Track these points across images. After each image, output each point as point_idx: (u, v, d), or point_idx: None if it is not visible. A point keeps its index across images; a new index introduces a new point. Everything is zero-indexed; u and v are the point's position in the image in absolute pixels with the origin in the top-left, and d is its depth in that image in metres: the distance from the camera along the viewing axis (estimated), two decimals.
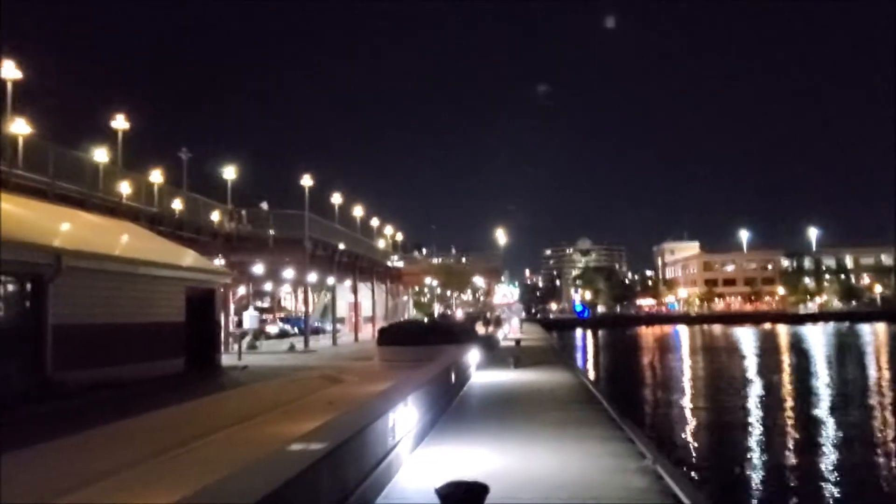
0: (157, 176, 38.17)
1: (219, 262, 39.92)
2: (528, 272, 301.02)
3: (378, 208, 72.08)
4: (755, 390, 37.44)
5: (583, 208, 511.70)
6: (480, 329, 55.37)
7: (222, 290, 35.84)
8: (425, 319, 63.71)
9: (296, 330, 60.79)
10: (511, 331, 68.83)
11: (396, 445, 10.73)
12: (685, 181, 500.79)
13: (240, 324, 45.49)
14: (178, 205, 39.56)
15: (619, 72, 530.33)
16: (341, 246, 52.89)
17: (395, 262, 77.44)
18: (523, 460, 11.84)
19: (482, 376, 26.02)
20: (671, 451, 20.29)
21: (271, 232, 45.97)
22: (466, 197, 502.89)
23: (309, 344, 46.45)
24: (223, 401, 21.59)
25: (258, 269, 48.81)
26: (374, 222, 68.43)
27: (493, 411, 17.92)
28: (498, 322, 62.41)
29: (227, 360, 33.93)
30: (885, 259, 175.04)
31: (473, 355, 27.55)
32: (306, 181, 47.28)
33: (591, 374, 48.79)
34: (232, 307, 55.25)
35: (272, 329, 61.30)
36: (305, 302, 52.05)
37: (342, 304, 64.42)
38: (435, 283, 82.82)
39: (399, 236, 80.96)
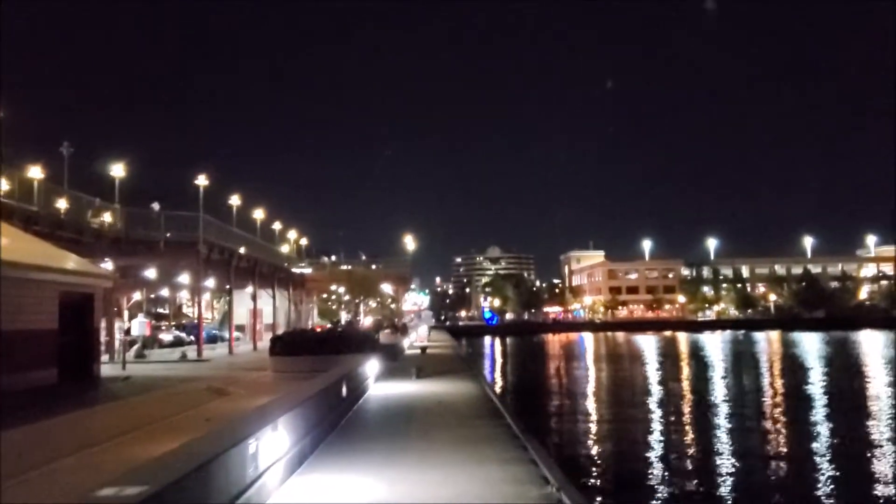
0: (36, 172, 35.09)
1: (108, 265, 37.12)
2: (438, 280, 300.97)
3: (284, 214, 69.79)
4: (657, 400, 37.29)
5: (493, 217, 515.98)
6: (387, 337, 53.82)
7: (107, 295, 33.15)
8: (320, 328, 61.65)
9: (192, 338, 57.75)
10: (418, 338, 67.55)
11: (260, 477, 9.16)
12: (592, 192, 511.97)
13: (128, 331, 42.57)
14: (63, 204, 36.54)
15: (526, 84, 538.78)
16: (241, 250, 50.43)
17: (302, 268, 75.03)
18: (414, 490, 10.47)
19: (381, 388, 24.55)
20: (576, 468, 19.33)
21: (168, 235, 43.21)
22: (377, 204, 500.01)
23: (203, 353, 43.86)
24: (90, 417, 19.45)
25: (150, 273, 45.91)
26: (277, 226, 65.94)
27: (387, 429, 16.50)
28: (404, 330, 60.96)
29: (110, 370, 31.42)
30: (779, 269, 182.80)
31: (372, 366, 26.06)
32: (201, 181, 44.73)
33: (499, 383, 48.03)
34: (126, 314, 52.00)
35: (166, 337, 58.04)
36: (199, 308, 49.30)
37: (242, 311, 61.71)
38: (342, 290, 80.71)
39: (304, 241, 78.53)
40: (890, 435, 26.09)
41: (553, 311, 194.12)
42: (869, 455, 22.86)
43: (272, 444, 9.88)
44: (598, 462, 21.61)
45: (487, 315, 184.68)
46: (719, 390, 41.72)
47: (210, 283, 50.99)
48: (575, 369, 57.63)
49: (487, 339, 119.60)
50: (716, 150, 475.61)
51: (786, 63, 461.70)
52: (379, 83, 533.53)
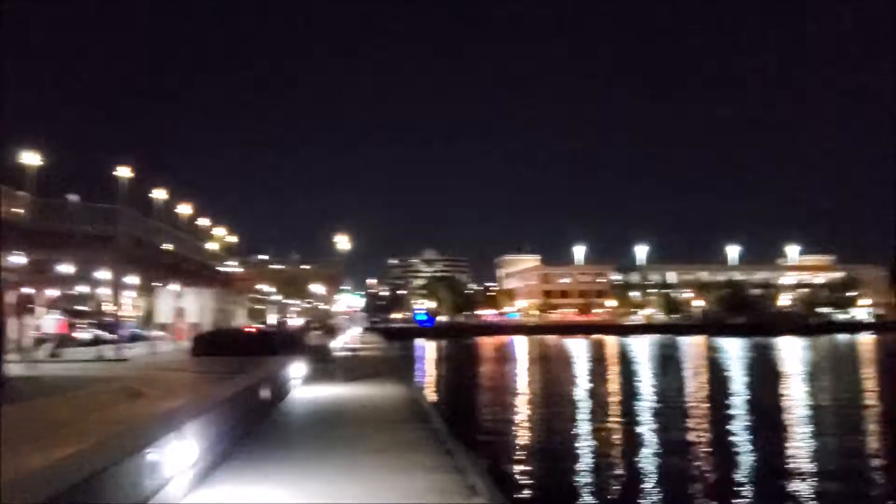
0: None
1: (18, 259, 35.06)
2: (372, 281, 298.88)
3: (214, 211, 67.60)
4: (586, 403, 37.31)
5: (429, 220, 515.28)
6: (316, 338, 52.67)
7: (12, 289, 31.28)
8: (249, 328, 60.04)
9: (114, 336, 55.40)
10: (350, 340, 66.51)
11: (161, 490, 8.31)
12: (527, 196, 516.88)
13: (40, 329, 40.36)
14: None
15: (459, 87, 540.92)
16: (166, 246, 48.58)
17: (231, 266, 73.01)
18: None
19: (307, 392, 23.67)
20: (505, 475, 18.84)
21: (88, 228, 41.12)
22: (311, 203, 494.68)
23: (122, 352, 41.93)
24: None
25: (67, 268, 43.74)
26: (205, 222, 63.90)
27: (310, 435, 15.71)
28: (335, 331, 59.86)
29: (20, 370, 29.62)
30: (705, 276, 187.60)
31: (298, 368, 25.14)
32: (122, 173, 42.79)
33: (430, 387, 47.46)
34: (41, 311, 49.51)
35: (84, 335, 55.52)
36: (118, 306, 47.29)
37: (166, 309, 59.62)
38: (271, 289, 78.92)
39: (233, 239, 76.41)
40: (797, 431, 26.91)
41: (487, 313, 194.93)
42: (780, 449, 23.40)
43: (178, 452, 9.04)
44: (528, 468, 21.19)
45: (421, 317, 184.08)
46: (644, 391, 42.14)
47: (132, 279, 48.98)
48: (506, 372, 57.50)
49: (420, 342, 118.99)
50: (648, 159, 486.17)
51: (716, 72, 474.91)
52: (320, 82, 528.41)
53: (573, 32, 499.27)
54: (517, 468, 20.80)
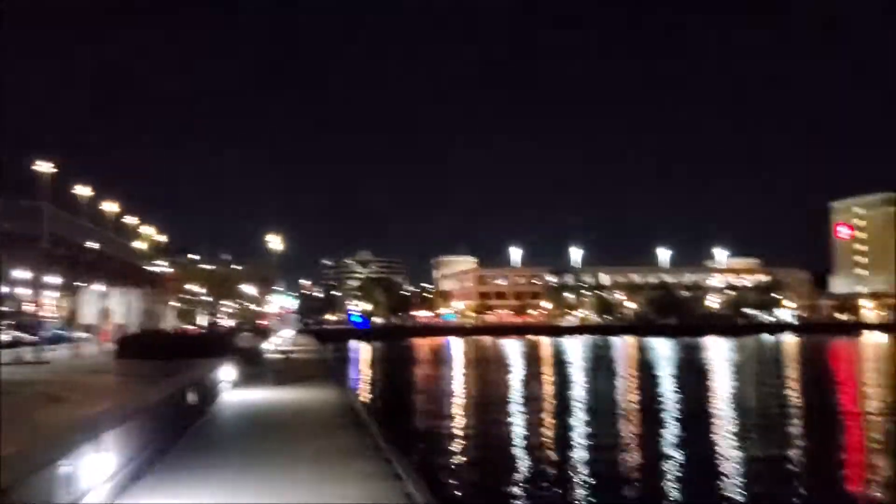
0: None
1: None
2: (307, 282, 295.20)
3: (143, 210, 65.54)
4: (521, 404, 37.36)
5: (364, 220, 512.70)
6: (247, 340, 51.52)
7: None
8: (178, 331, 58.43)
9: (35, 338, 53.15)
10: (282, 342, 65.33)
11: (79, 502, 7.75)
12: (463, 197, 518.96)
13: None
14: None
15: (401, 87, 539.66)
16: (91, 244, 46.85)
17: (160, 266, 71.01)
18: None
19: (236, 396, 22.98)
20: (442, 481, 18.53)
21: (7, 225, 39.28)
22: (244, 203, 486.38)
23: (42, 354, 40.18)
24: None
25: None
26: (132, 221, 61.92)
27: (239, 443, 15.15)
28: (267, 333, 58.69)
29: None
30: (637, 278, 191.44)
31: (228, 371, 24.39)
32: (43, 167, 41.08)
33: (365, 390, 46.84)
34: None
35: (3, 337, 53.17)
36: (38, 306, 45.40)
37: (92, 310, 57.51)
38: (202, 290, 77.02)
39: (162, 238, 74.28)
40: (719, 429, 27.40)
41: (423, 315, 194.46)
42: (704, 449, 23.69)
43: (95, 463, 8.47)
44: (465, 473, 20.91)
45: (356, 319, 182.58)
46: (578, 392, 42.47)
47: (54, 279, 47.07)
48: (443, 374, 57.26)
49: (355, 344, 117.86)
50: (583, 163, 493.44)
51: (642, 78, 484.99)
52: (255, 82, 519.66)
53: (513, 31, 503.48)
54: (453, 473, 20.48)
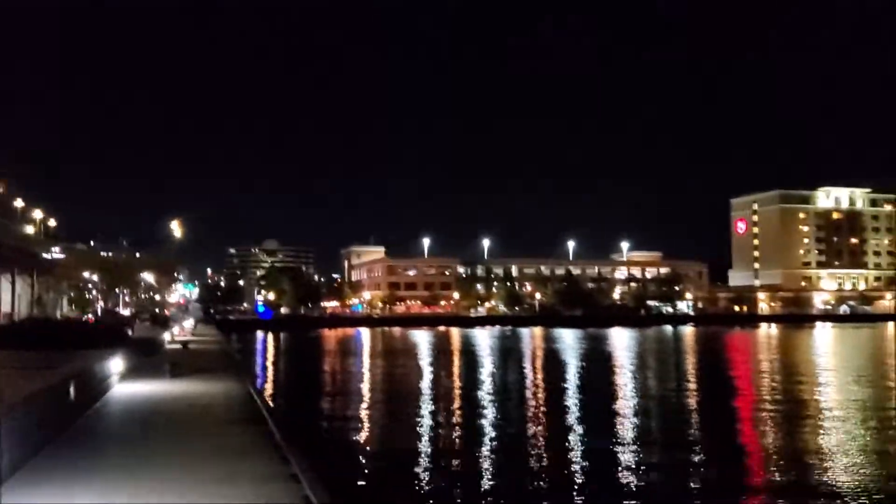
0: None
1: None
2: (210, 271, 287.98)
3: (33, 193, 61.78)
4: (429, 396, 36.87)
5: (271, 209, 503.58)
6: (144, 330, 49.26)
7: None
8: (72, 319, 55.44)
9: None
10: (181, 332, 62.94)
11: None
12: (375, 188, 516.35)
13: None
14: None
15: (299, 78, 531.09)
16: None
17: (51, 252, 67.17)
18: None
19: (127, 388, 21.56)
20: (347, 480, 17.71)
21: None
22: (145, 189, 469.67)
23: None
24: None
25: None
26: (19, 204, 58.31)
27: (126, 441, 13.99)
28: (166, 322, 56.32)
29: None
30: (545, 270, 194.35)
31: (118, 362, 22.87)
32: None
33: (269, 383, 45.39)
34: None
35: None
36: None
37: None
38: (96, 278, 73.33)
39: (53, 223, 70.36)
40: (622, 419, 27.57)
41: (331, 305, 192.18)
42: (607, 437, 23.85)
43: None
44: (369, 472, 20.14)
45: (261, 309, 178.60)
46: (486, 383, 42.42)
47: None
48: (351, 366, 56.26)
49: (260, 335, 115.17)
50: (496, 156, 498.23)
51: (556, 71, 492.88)
52: (160, 65, 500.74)
53: (393, 25, 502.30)
54: (357, 472, 19.67)
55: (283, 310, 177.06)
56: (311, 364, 58.49)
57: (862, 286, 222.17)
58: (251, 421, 16.58)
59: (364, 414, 30.75)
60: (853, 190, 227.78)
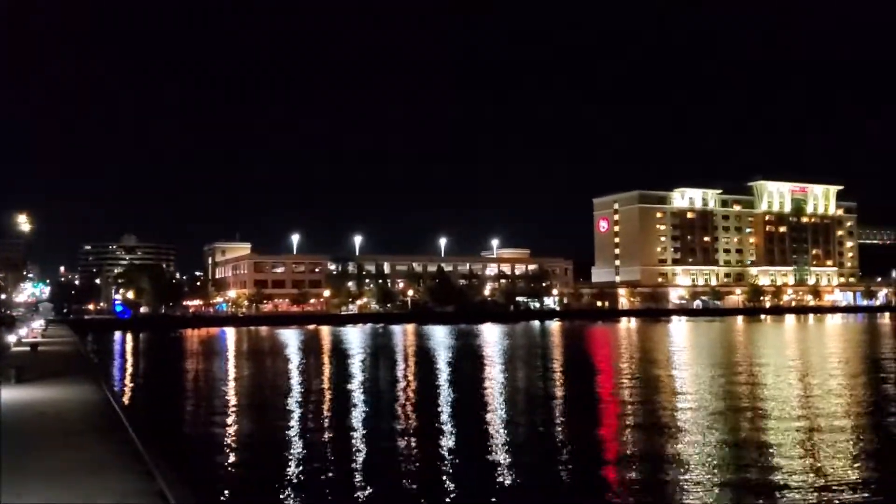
0: None
1: None
2: (63, 269, 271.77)
3: None
4: (297, 399, 35.33)
5: (130, 204, 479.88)
6: None
7: None
8: None
9: None
10: (30, 334, 58.36)
11: None
12: (239, 181, 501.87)
13: None
14: None
15: (171, 73, 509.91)
16: None
17: None
18: None
19: None
20: (212, 492, 16.33)
21: None
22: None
23: None
24: None
25: None
26: None
27: None
28: (12, 323, 51.92)
29: None
30: (417, 267, 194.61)
31: None
32: None
33: (128, 388, 42.38)
34: None
35: None
36: None
37: None
38: None
39: None
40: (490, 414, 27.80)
41: (194, 304, 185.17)
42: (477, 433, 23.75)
43: None
44: (239, 483, 18.78)
45: (119, 308, 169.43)
46: (357, 383, 41.63)
47: None
48: (215, 368, 53.65)
49: (118, 335, 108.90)
50: (368, 152, 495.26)
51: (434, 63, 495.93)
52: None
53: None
54: (226, 484, 18.25)
55: (143, 309, 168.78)
56: (174, 366, 55.49)
57: (714, 282, 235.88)
58: (110, 429, 14.98)
59: (231, 419, 29.05)
60: (706, 191, 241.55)
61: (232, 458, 21.59)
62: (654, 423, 26.56)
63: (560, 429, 26.54)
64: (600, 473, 19.58)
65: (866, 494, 16.83)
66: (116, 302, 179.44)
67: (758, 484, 17.87)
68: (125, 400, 32.80)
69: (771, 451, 21.56)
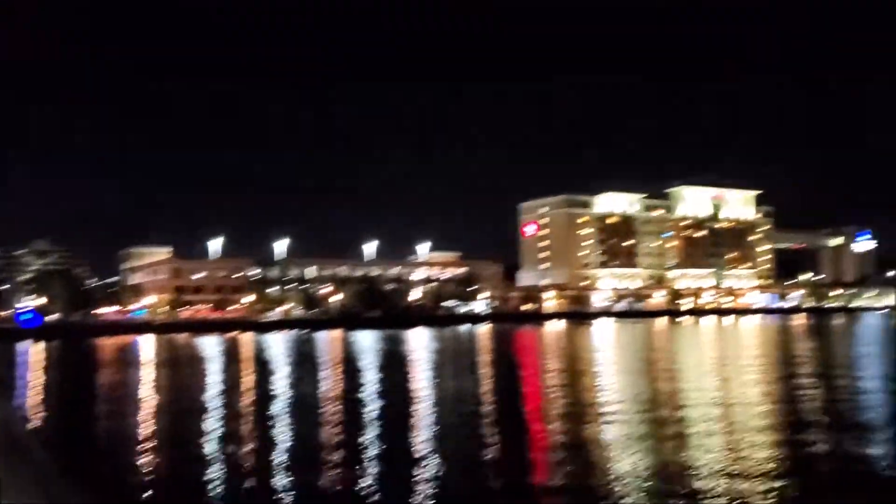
0: None
1: None
2: None
3: None
4: (217, 410, 33.19)
5: (40, 208, 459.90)
6: None
7: None
8: None
9: None
10: None
11: None
12: (159, 185, 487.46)
13: None
14: None
15: (81, 67, 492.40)
16: None
17: None
18: None
19: None
20: None
21: None
22: None
23: None
24: None
25: None
26: None
27: None
28: None
29: None
30: (343, 271, 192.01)
31: None
32: None
33: (34, 402, 38.93)
34: None
35: None
36: None
37: None
38: None
39: None
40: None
41: (109, 311, 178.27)
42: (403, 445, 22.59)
43: None
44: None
45: (27, 316, 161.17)
46: (279, 393, 39.91)
47: None
48: (131, 378, 50.54)
49: (25, 345, 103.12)
50: (292, 155, 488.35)
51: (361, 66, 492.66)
52: None
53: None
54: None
55: (53, 316, 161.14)
56: (86, 377, 52.17)
57: (636, 285, 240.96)
58: (11, 452, 12.74)
59: (146, 434, 26.82)
60: (629, 196, 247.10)
61: (143, 478, 19.60)
62: (578, 426, 26.90)
63: (485, 436, 25.84)
64: (524, 481, 19.47)
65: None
66: (23, 309, 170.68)
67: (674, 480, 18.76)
68: (30, 417, 30.06)
69: (688, 447, 23.09)
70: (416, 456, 21.89)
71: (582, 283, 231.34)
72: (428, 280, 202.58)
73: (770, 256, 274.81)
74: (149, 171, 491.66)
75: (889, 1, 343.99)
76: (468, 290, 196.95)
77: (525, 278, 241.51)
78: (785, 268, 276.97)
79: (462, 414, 31.12)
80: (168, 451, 23.92)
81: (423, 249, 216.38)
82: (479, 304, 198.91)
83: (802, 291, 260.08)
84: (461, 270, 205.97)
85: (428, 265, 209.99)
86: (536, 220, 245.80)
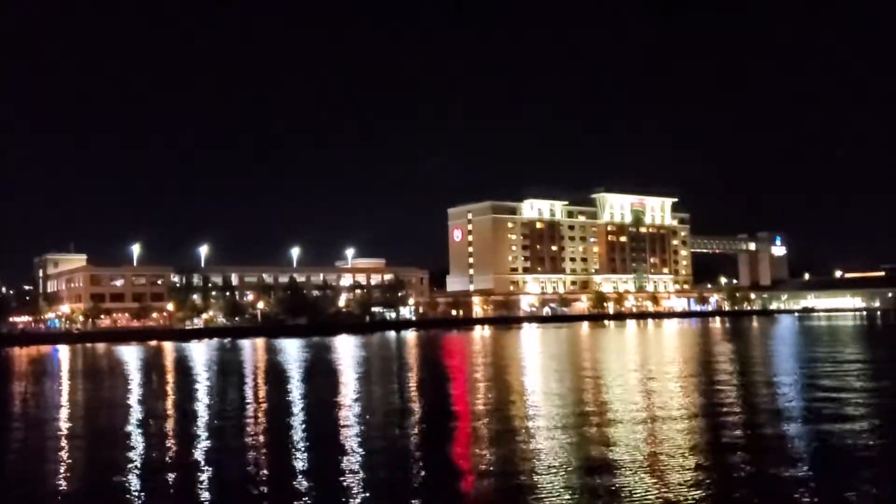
0: None
1: None
2: None
3: None
4: (136, 425, 32.30)
5: None
6: None
7: None
8: None
9: None
10: None
11: None
12: (73, 190, 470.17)
13: None
14: None
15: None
16: None
17: None
18: None
19: None
20: None
21: None
22: None
23: None
24: None
25: None
26: None
27: None
28: None
29: None
30: (267, 278, 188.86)
31: None
32: None
33: None
34: None
35: None
36: None
37: None
38: None
39: None
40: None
41: (22, 321, 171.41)
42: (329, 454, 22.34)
43: None
44: None
45: None
46: (200, 404, 39.10)
47: None
48: (45, 391, 48.94)
49: None
50: (214, 160, 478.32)
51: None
52: None
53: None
54: None
55: None
56: None
57: (561, 290, 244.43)
58: None
59: (63, 451, 26.00)
60: (553, 202, 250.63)
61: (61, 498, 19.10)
62: (504, 429, 27.27)
63: (413, 442, 26.20)
64: (453, 486, 19.46)
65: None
66: None
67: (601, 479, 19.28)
68: None
69: (614, 446, 23.73)
70: (337, 465, 21.76)
71: (508, 289, 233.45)
72: (354, 287, 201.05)
73: (688, 261, 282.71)
74: (66, 175, 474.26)
75: None
76: (395, 296, 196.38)
77: (453, 284, 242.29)
78: (702, 272, 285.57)
79: (389, 422, 30.87)
80: (83, 472, 23.31)
81: (350, 255, 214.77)
82: (407, 311, 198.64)
83: (721, 295, 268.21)
84: (388, 277, 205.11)
85: (354, 271, 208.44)
86: (463, 226, 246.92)
